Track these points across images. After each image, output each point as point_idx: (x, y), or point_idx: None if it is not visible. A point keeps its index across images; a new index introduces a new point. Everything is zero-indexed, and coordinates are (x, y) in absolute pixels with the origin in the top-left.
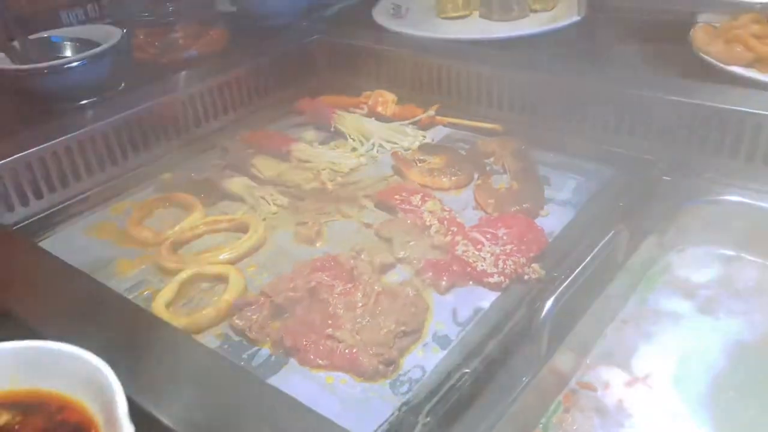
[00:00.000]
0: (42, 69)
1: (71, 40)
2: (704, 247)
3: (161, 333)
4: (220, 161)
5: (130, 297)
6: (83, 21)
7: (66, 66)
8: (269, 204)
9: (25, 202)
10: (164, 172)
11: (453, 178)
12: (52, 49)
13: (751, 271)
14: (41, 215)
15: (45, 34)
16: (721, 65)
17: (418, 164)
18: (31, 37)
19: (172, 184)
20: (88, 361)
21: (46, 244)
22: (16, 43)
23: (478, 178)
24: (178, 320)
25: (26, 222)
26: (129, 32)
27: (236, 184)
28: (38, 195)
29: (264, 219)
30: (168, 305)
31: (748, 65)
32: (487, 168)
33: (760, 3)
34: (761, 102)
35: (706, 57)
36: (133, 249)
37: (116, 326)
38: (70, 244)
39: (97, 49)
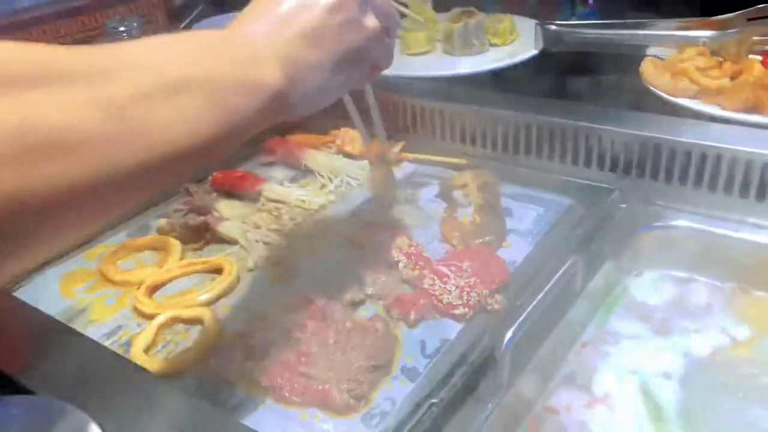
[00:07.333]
0: None
1: None
2: (659, 271)
3: (139, 380)
4: (183, 207)
5: (108, 342)
6: None
7: None
8: (262, 247)
9: None
10: (140, 217)
11: None
12: None
13: (701, 292)
14: None
15: None
16: (669, 97)
17: None
18: None
19: (166, 229)
20: (73, 414)
21: (21, 294)
22: None
23: (444, 212)
24: (157, 364)
25: None
26: None
27: (230, 227)
28: None
29: (255, 263)
30: (146, 350)
31: (693, 97)
32: (454, 201)
33: (704, 37)
34: (705, 133)
35: (654, 90)
36: (108, 294)
37: (95, 376)
38: (46, 292)
39: None
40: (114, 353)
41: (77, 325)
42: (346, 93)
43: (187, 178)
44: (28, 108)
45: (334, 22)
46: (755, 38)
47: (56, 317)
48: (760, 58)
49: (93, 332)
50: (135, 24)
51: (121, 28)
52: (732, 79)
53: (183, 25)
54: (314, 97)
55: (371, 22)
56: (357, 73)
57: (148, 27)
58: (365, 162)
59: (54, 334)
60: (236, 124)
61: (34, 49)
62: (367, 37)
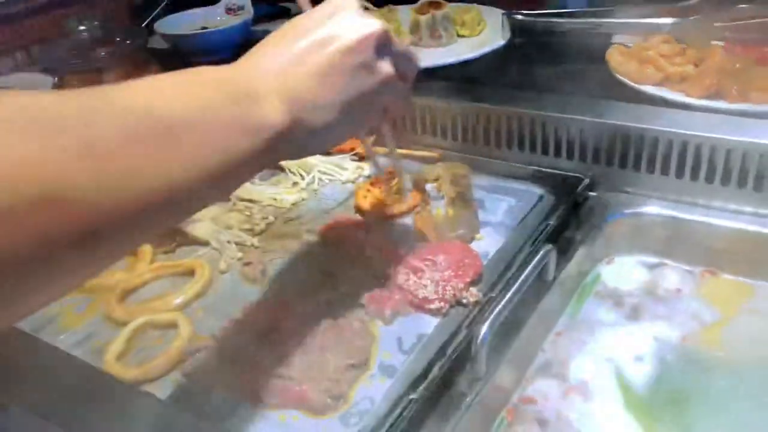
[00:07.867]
0: None
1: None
2: (630, 257)
3: (112, 389)
4: None
5: (80, 351)
6: (12, 69)
7: None
8: (234, 248)
9: None
10: None
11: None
12: None
13: (672, 276)
14: None
15: None
16: (635, 85)
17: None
18: None
19: None
20: (44, 429)
21: None
22: None
23: (417, 205)
24: (130, 372)
25: None
26: (60, 80)
27: (201, 228)
28: None
29: (227, 264)
30: (119, 357)
31: (659, 84)
32: (428, 194)
33: (669, 24)
34: (671, 120)
35: (621, 77)
36: (78, 302)
37: (66, 387)
38: None
39: None
40: (85, 363)
41: (46, 335)
42: (355, 135)
43: (182, 221)
44: (11, 160)
45: (347, 64)
46: (717, 24)
47: (24, 328)
48: (722, 44)
49: (63, 341)
50: (95, 23)
51: (81, 27)
52: (695, 65)
53: (145, 23)
54: (320, 139)
55: (386, 67)
56: (367, 116)
57: (109, 26)
58: (336, 158)
59: (23, 345)
60: (234, 165)
61: (16, 96)
62: (379, 82)
